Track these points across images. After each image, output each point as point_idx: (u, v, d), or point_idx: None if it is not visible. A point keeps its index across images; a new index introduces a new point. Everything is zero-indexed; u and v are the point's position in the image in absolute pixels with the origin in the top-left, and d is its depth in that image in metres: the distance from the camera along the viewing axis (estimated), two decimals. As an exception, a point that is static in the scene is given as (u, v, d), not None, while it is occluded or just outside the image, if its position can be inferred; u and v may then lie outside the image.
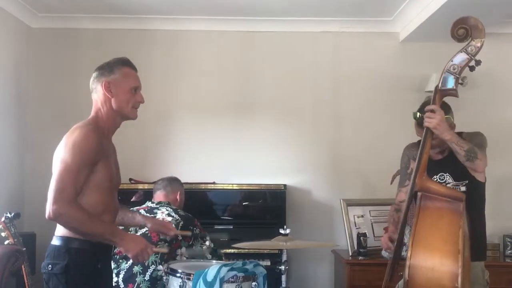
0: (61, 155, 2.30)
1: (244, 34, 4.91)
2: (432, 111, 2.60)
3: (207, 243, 3.22)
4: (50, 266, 2.33)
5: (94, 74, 2.50)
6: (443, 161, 2.95)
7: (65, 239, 2.34)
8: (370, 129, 4.85)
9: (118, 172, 2.57)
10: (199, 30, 4.90)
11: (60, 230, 2.36)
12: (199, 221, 3.31)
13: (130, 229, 3.09)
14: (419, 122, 2.83)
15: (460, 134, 2.84)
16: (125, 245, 2.39)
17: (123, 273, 3.05)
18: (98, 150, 2.33)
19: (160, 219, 3.16)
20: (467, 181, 2.89)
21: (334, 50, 4.92)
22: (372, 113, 4.86)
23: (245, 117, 4.89)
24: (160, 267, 2.99)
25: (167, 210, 3.26)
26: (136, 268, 3.03)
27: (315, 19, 4.81)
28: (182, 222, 3.19)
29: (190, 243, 3.19)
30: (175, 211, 3.28)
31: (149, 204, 3.36)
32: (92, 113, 2.49)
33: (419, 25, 4.41)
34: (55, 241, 2.37)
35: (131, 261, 3.03)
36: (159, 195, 3.44)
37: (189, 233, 3.12)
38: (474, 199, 2.83)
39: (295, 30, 4.89)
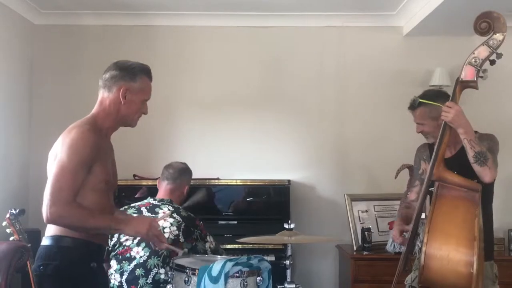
0: (58, 156, 2.24)
1: (249, 29, 4.90)
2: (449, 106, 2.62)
3: (207, 244, 3.19)
4: (41, 267, 2.24)
5: (114, 72, 2.38)
6: (452, 159, 2.94)
7: (56, 238, 2.26)
8: (374, 123, 4.84)
9: (115, 172, 2.51)
10: (203, 26, 4.89)
11: (50, 230, 2.29)
12: (203, 217, 3.27)
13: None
14: (413, 106, 2.99)
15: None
16: (132, 228, 2.34)
17: (127, 274, 3.03)
18: (95, 151, 2.26)
19: (162, 221, 3.04)
20: (475, 181, 2.87)
21: (338, 45, 4.91)
22: (376, 107, 4.85)
23: (249, 113, 4.89)
24: (162, 270, 2.97)
25: (169, 210, 3.17)
26: (139, 271, 3.02)
27: (319, 13, 4.80)
28: (183, 224, 3.12)
29: (194, 244, 3.15)
30: (177, 211, 3.19)
31: (151, 200, 3.26)
32: (95, 110, 2.41)
33: (423, 19, 4.39)
34: (45, 241, 2.29)
35: (134, 263, 3.02)
36: (165, 188, 3.31)
37: (180, 251, 2.85)
38: (481, 199, 2.81)
39: (299, 25, 4.87)
